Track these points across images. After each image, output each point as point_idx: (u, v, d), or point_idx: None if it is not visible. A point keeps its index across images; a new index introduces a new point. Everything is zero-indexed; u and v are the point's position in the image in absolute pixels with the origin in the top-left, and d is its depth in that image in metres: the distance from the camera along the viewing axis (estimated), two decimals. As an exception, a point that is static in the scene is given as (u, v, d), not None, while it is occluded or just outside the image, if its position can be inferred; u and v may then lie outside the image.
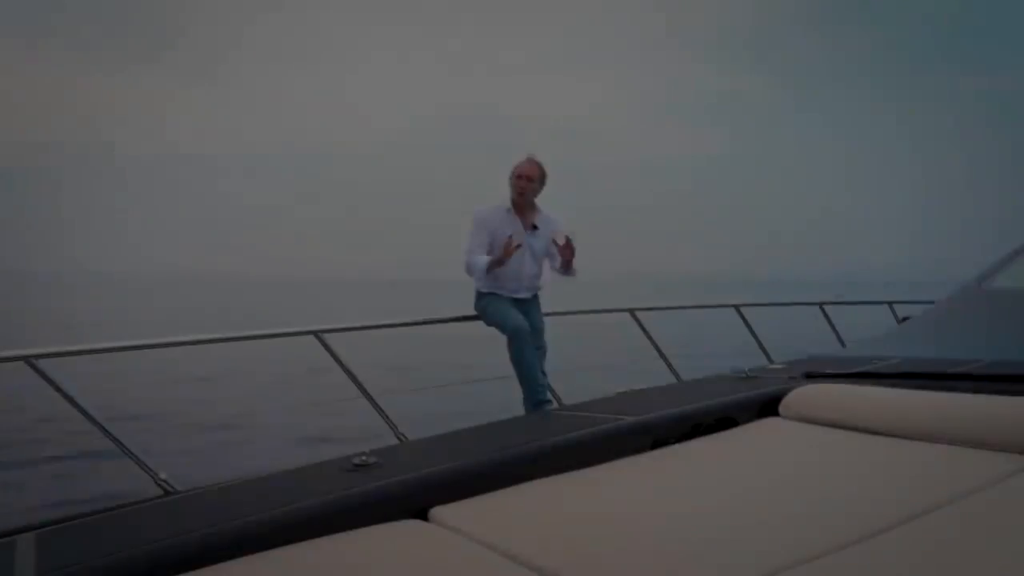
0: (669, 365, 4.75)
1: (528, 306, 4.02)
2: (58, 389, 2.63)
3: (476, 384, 4.91)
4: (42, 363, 2.60)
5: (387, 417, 3.43)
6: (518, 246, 3.74)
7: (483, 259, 3.81)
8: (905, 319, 3.89)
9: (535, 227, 3.98)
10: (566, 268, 4.02)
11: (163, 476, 2.71)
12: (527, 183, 3.89)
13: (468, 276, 3.97)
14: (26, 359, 2.58)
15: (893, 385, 2.24)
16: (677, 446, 1.99)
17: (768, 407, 2.28)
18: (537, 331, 3.95)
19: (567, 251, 3.87)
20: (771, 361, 4.93)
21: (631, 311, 4.72)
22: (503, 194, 4.01)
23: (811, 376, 2.55)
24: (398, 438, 3.35)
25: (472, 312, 4.07)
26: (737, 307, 5.38)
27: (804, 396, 2.23)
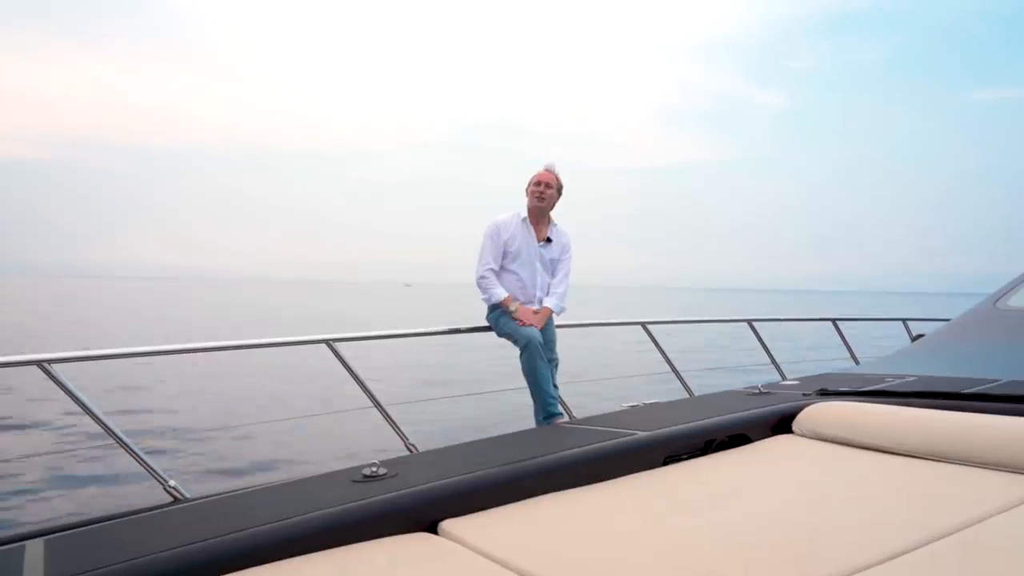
0: (681, 380, 4.70)
1: None
2: (70, 394, 2.62)
3: (486, 395, 4.87)
4: (55, 368, 2.59)
5: (397, 427, 3.40)
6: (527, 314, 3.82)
7: (501, 293, 3.85)
8: (919, 336, 3.85)
9: (548, 240, 3.98)
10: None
11: (172, 483, 2.69)
12: (546, 188, 3.91)
13: (477, 288, 3.97)
14: (39, 363, 2.57)
15: (907, 403, 2.22)
16: (690, 462, 1.98)
17: (782, 424, 2.26)
18: (549, 343, 3.94)
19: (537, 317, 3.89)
20: (784, 377, 4.87)
21: (643, 324, 4.67)
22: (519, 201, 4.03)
23: (825, 393, 2.52)
24: (408, 449, 3.32)
25: (484, 323, 4.06)
26: (750, 322, 5.32)
27: (818, 413, 2.21)
